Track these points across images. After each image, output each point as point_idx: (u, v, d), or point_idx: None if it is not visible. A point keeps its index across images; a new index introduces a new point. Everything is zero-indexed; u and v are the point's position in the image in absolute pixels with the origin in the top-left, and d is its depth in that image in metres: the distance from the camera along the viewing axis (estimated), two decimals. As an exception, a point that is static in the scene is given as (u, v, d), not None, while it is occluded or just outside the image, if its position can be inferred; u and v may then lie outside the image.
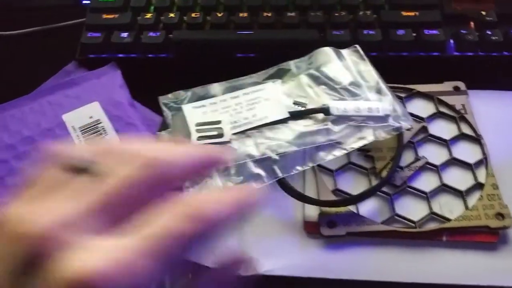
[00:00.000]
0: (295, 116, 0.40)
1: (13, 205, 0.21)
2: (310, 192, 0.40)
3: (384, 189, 0.40)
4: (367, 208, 0.39)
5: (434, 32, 0.47)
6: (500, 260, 0.37)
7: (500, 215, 0.38)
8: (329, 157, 0.38)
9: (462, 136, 0.43)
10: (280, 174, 0.37)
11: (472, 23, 0.49)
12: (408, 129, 0.42)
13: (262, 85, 0.42)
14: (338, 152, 0.38)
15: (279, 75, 0.43)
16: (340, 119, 0.39)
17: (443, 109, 0.45)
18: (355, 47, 0.44)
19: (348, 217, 0.38)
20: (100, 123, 0.38)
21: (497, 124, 0.44)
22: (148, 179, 0.22)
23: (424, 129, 0.44)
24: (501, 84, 0.47)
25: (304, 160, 0.38)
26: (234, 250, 0.28)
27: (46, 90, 0.41)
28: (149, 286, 0.22)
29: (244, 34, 0.48)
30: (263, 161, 0.38)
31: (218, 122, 0.39)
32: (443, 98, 0.45)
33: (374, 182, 0.41)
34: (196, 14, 0.49)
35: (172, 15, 0.49)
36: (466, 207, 0.39)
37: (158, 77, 0.47)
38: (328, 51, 0.43)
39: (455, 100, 0.45)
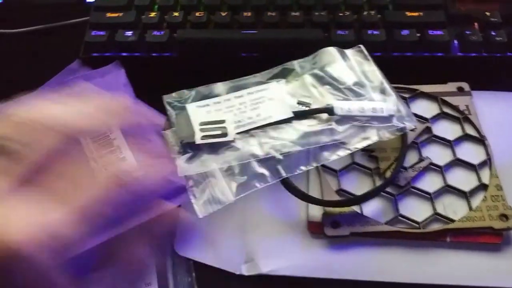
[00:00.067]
0: (299, 116, 0.40)
1: None
2: (314, 192, 0.40)
3: (388, 189, 0.40)
4: (371, 208, 0.39)
5: (438, 32, 0.47)
6: (504, 261, 0.37)
7: (504, 216, 0.38)
8: (333, 157, 0.38)
9: (466, 137, 0.43)
10: (284, 174, 0.37)
11: (476, 24, 0.49)
12: (412, 130, 0.42)
13: (266, 84, 0.42)
14: (342, 152, 0.38)
15: (283, 74, 0.43)
16: (344, 119, 0.39)
17: (447, 110, 0.45)
18: (359, 47, 0.44)
19: (352, 218, 0.38)
20: (104, 121, 0.38)
21: (501, 125, 0.44)
22: (61, 146, 0.25)
23: (428, 130, 0.43)
24: (505, 85, 0.47)
25: (308, 160, 0.38)
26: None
27: (51, 88, 0.41)
28: (78, 249, 0.23)
29: (248, 33, 0.48)
30: (267, 161, 0.38)
31: (222, 121, 0.39)
32: (447, 98, 0.45)
33: (378, 182, 0.41)
34: (200, 13, 0.49)
35: (176, 14, 0.49)
36: (470, 208, 0.39)
37: (162, 76, 0.47)
38: (332, 51, 0.43)
39: (459, 101, 0.45)
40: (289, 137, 0.38)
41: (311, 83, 0.42)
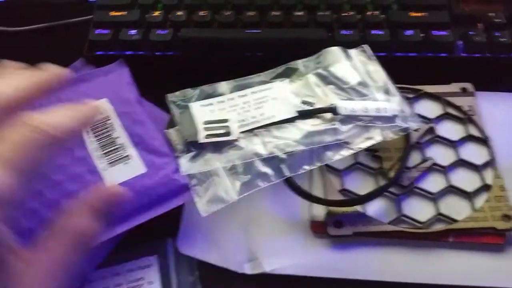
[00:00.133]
0: (303, 115, 0.40)
1: None
2: (317, 192, 0.40)
3: (391, 189, 0.40)
4: (374, 208, 0.39)
5: (442, 33, 0.47)
6: (507, 262, 0.37)
7: (507, 217, 0.38)
8: (336, 157, 0.38)
9: (469, 138, 0.43)
10: (287, 173, 0.37)
11: (480, 25, 0.49)
12: (415, 130, 0.42)
13: (270, 84, 0.42)
14: (345, 152, 0.38)
15: (287, 74, 0.43)
16: (348, 119, 0.39)
17: (450, 110, 0.45)
18: (363, 47, 0.44)
19: (355, 217, 0.38)
20: (109, 120, 0.38)
21: (505, 125, 0.44)
22: None
23: (431, 130, 0.43)
24: (509, 86, 0.47)
25: (311, 159, 0.38)
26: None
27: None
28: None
29: (252, 33, 0.48)
30: (271, 160, 0.38)
31: (226, 120, 0.39)
32: (450, 99, 0.45)
33: (381, 182, 0.41)
34: (204, 13, 0.49)
35: (180, 13, 0.49)
36: (473, 209, 0.39)
37: (165, 74, 0.47)
38: (336, 50, 0.43)
39: (462, 101, 0.45)
40: (292, 136, 0.38)
41: (315, 82, 0.42)
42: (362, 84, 0.41)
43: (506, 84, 0.47)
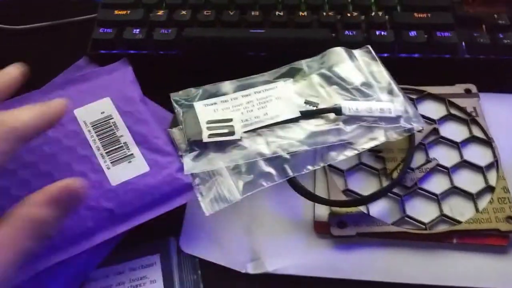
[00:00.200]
0: (306, 115, 0.40)
1: None
2: (321, 192, 0.40)
3: (395, 190, 0.40)
4: (377, 209, 0.39)
5: (446, 34, 0.47)
6: (510, 263, 0.37)
7: (511, 219, 0.38)
8: (340, 157, 0.38)
9: (473, 139, 0.43)
10: (291, 173, 0.37)
11: (484, 26, 0.49)
12: (419, 131, 0.42)
13: (273, 83, 0.42)
14: (349, 152, 0.38)
15: (291, 74, 0.43)
16: (352, 119, 0.39)
17: (454, 112, 0.45)
18: (367, 47, 0.44)
19: (358, 218, 0.38)
20: (112, 118, 0.38)
21: (509, 127, 0.44)
22: None
23: (435, 131, 0.43)
24: (513, 87, 0.47)
25: (315, 159, 0.38)
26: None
27: (58, 85, 0.41)
28: None
29: (256, 32, 0.48)
30: (274, 160, 0.38)
31: (229, 120, 0.39)
32: (454, 100, 0.45)
33: (385, 183, 0.41)
34: (208, 12, 0.49)
35: (184, 12, 0.49)
36: (477, 210, 0.39)
37: (169, 74, 0.47)
38: (340, 51, 0.43)
39: (466, 103, 0.45)
40: (296, 136, 0.38)
41: (319, 83, 0.42)
42: (366, 84, 0.41)
43: (510, 86, 0.47)
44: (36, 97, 0.40)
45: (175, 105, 0.41)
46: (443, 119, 0.44)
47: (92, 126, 0.38)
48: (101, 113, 0.39)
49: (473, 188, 0.40)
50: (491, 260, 0.37)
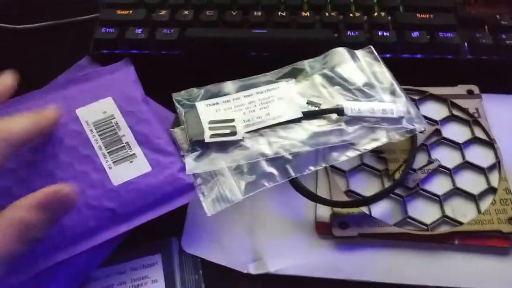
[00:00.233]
0: (308, 116, 0.40)
1: None
2: (323, 193, 0.40)
3: (397, 191, 0.40)
4: (379, 209, 0.39)
5: (449, 35, 0.47)
6: (512, 265, 0.37)
7: (513, 220, 0.38)
8: (342, 158, 0.38)
9: (475, 140, 0.43)
10: (292, 174, 0.37)
11: (486, 27, 0.49)
12: (421, 132, 0.42)
13: (275, 84, 0.42)
14: (351, 153, 0.38)
15: (293, 74, 0.43)
16: (354, 120, 0.39)
17: (456, 112, 0.45)
18: (369, 48, 0.44)
19: (360, 218, 0.38)
20: (114, 118, 0.38)
21: (511, 128, 0.44)
22: None
23: (437, 132, 0.43)
24: (515, 88, 0.47)
25: (317, 160, 0.38)
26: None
27: (60, 85, 0.41)
28: None
29: (258, 33, 0.48)
30: (276, 160, 0.38)
31: (231, 120, 0.39)
32: (456, 101, 0.45)
33: (387, 184, 0.41)
34: (210, 12, 0.49)
35: (186, 12, 0.49)
36: (479, 211, 0.39)
37: (171, 74, 0.47)
38: (342, 51, 0.43)
39: (468, 104, 0.45)
40: (298, 137, 0.38)
41: (321, 83, 0.42)
42: (368, 85, 0.41)
43: (512, 86, 0.47)
44: (39, 96, 0.40)
45: (177, 105, 0.41)
46: (445, 120, 0.44)
47: (94, 126, 0.38)
48: (103, 113, 0.39)
49: (475, 189, 0.40)
50: (493, 262, 0.37)
